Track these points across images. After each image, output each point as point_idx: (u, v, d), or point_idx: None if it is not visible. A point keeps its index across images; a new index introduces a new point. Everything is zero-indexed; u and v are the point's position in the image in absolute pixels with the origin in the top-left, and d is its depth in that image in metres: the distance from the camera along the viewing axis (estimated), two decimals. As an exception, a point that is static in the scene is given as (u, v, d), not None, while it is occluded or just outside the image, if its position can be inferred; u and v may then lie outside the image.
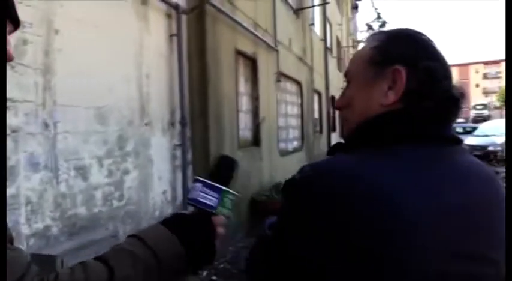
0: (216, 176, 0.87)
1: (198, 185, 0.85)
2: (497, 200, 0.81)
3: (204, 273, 4.46)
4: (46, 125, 2.83)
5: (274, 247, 0.79)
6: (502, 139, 15.16)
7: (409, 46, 0.83)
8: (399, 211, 0.68)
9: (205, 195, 0.84)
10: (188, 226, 0.82)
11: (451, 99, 0.81)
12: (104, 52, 3.42)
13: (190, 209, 0.88)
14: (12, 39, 0.81)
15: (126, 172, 3.66)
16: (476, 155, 0.92)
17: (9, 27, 0.80)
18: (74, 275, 0.70)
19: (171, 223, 0.82)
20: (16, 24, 0.82)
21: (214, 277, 4.38)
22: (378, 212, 0.67)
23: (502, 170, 3.38)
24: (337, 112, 16.92)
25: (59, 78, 2.92)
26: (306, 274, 0.72)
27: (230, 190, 0.87)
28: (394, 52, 0.83)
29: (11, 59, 0.78)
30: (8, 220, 0.67)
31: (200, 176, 0.87)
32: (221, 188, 0.85)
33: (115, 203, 3.49)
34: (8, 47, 0.78)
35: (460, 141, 0.83)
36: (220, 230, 0.86)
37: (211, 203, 0.84)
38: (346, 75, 0.91)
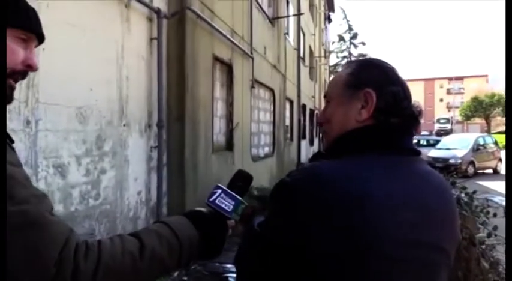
0: (233, 186, 1.04)
1: (218, 191, 1.01)
2: (447, 201, 0.99)
3: (175, 274, 4.52)
4: (28, 122, 2.86)
5: (264, 241, 0.92)
6: (462, 152, 15.88)
7: (377, 73, 1.03)
8: (368, 203, 0.85)
9: (223, 201, 1.00)
10: (205, 220, 0.99)
11: (411, 116, 1.00)
12: (85, 53, 3.47)
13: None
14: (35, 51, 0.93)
15: (103, 171, 3.71)
16: (438, 167, 1.11)
17: (35, 43, 0.92)
18: (113, 241, 0.85)
19: (191, 215, 0.99)
20: (41, 39, 0.93)
21: (185, 278, 4.45)
22: (352, 203, 0.84)
23: (460, 180, 3.63)
24: (307, 120, 17.19)
25: (42, 76, 2.96)
26: (295, 263, 0.86)
27: (244, 201, 1.03)
28: (366, 78, 1.02)
29: (36, 69, 0.90)
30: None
31: (220, 184, 1.03)
32: (238, 199, 1.02)
33: (91, 202, 3.53)
34: (34, 59, 0.90)
35: (418, 152, 1.02)
36: (230, 231, 1.04)
37: (227, 209, 1.00)
38: (325, 96, 1.10)
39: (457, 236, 1.01)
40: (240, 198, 1.02)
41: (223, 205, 1.00)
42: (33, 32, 0.91)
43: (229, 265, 4.94)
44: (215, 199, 1.00)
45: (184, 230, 0.94)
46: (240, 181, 1.06)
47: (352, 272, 0.84)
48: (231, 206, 1.00)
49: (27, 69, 0.90)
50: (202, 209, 1.03)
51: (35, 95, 2.92)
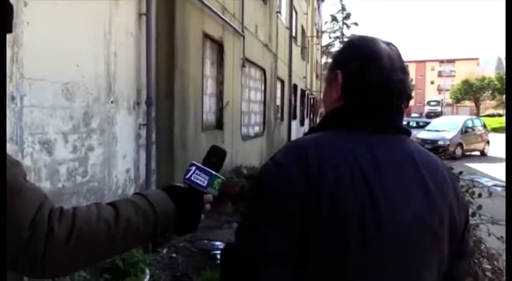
0: (208, 162, 1.08)
1: (193, 168, 1.05)
2: (424, 176, 0.96)
3: (164, 251, 4.56)
4: (13, 98, 2.81)
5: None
6: (451, 134, 16.05)
7: (346, 52, 1.06)
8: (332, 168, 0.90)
9: (198, 177, 1.04)
10: (182, 195, 1.02)
11: (386, 91, 0.98)
12: (72, 27, 3.39)
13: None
14: None
15: (90, 148, 3.68)
16: (426, 149, 1.11)
17: None
18: (89, 209, 0.87)
19: (169, 190, 1.02)
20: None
21: (174, 255, 4.50)
22: (323, 169, 0.90)
23: (448, 162, 3.68)
24: (298, 100, 17.24)
25: (27, 51, 2.89)
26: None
27: (218, 175, 1.07)
28: (338, 59, 1.07)
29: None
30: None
31: (195, 162, 1.07)
32: (211, 173, 1.06)
33: (79, 179, 3.51)
34: None
35: (401, 130, 1.01)
36: (207, 206, 1.06)
37: (202, 184, 1.04)
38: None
39: (444, 213, 0.96)
40: (213, 172, 1.06)
41: (198, 181, 1.04)
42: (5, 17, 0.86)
43: (217, 243, 4.99)
44: (190, 175, 1.04)
45: (161, 203, 0.96)
46: (214, 157, 1.09)
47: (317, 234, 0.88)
48: (206, 181, 1.04)
49: None
50: (180, 184, 1.06)
51: (20, 70, 2.86)
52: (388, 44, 1.04)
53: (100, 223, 0.85)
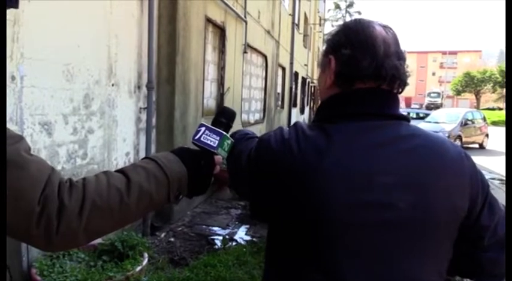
0: (217, 122, 1.04)
1: (202, 128, 1.01)
2: (433, 165, 0.93)
3: (163, 235, 4.58)
4: (13, 78, 2.78)
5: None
6: (450, 126, 16.04)
7: (338, 36, 1.02)
8: (319, 171, 0.89)
9: (208, 137, 1.00)
10: (193, 157, 0.98)
11: (378, 77, 0.95)
12: (73, 7, 3.34)
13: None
14: None
15: (90, 131, 3.66)
16: None
17: None
18: (99, 178, 0.84)
19: (178, 152, 0.98)
20: None
21: (172, 239, 4.52)
22: (304, 171, 0.90)
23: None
24: (299, 88, 17.16)
25: (27, 31, 2.86)
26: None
27: (228, 136, 1.03)
28: (331, 43, 1.02)
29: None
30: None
31: (204, 122, 1.03)
32: (222, 133, 1.02)
33: (79, 161, 3.50)
34: None
35: (382, 115, 0.97)
36: (217, 168, 1.03)
37: (212, 144, 1.00)
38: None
39: (450, 203, 0.92)
40: (224, 133, 1.02)
41: (208, 141, 1.00)
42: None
43: (215, 228, 5.02)
44: (200, 136, 1.00)
45: (171, 166, 0.93)
46: (224, 118, 1.06)
47: (304, 236, 0.90)
48: (216, 142, 1.00)
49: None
50: (188, 146, 1.02)
51: (20, 50, 2.82)
52: (385, 27, 1.00)
53: (111, 192, 0.82)
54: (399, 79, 0.97)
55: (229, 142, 1.03)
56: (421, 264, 0.91)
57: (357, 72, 0.95)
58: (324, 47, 1.06)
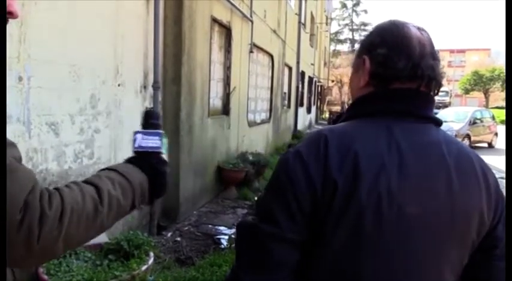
0: (148, 125, 1.04)
1: (138, 135, 1.01)
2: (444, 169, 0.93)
3: (169, 234, 4.60)
4: (20, 78, 2.81)
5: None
6: (459, 125, 15.92)
7: (372, 37, 1.02)
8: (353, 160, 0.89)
9: (148, 141, 1.00)
10: (147, 163, 1.00)
11: (414, 77, 0.95)
12: (80, 8, 3.37)
13: None
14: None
15: (97, 130, 3.69)
16: None
17: None
18: (71, 187, 0.85)
19: (131, 160, 1.01)
20: None
21: (178, 238, 4.54)
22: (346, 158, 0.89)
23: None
24: (305, 88, 17.11)
25: (34, 31, 2.89)
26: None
27: (164, 133, 1.03)
28: (366, 44, 1.04)
29: (16, 16, 0.86)
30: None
31: (136, 130, 1.02)
32: (160, 132, 1.02)
33: (85, 161, 3.53)
34: (15, 5, 0.85)
35: (417, 116, 0.97)
36: (168, 168, 1.05)
37: (156, 145, 1.01)
38: None
39: (465, 211, 0.92)
40: (160, 131, 1.02)
41: (151, 144, 1.00)
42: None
43: (221, 227, 5.03)
44: (140, 142, 1.00)
45: (132, 173, 0.96)
46: (153, 119, 1.06)
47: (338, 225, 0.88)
48: (158, 141, 1.01)
49: (8, 16, 0.85)
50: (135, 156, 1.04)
51: (27, 51, 2.85)
52: (419, 28, 1.00)
53: (87, 199, 0.84)
54: (435, 79, 0.97)
55: (165, 140, 1.03)
56: (444, 268, 0.93)
57: (393, 72, 0.95)
58: (357, 48, 1.07)
